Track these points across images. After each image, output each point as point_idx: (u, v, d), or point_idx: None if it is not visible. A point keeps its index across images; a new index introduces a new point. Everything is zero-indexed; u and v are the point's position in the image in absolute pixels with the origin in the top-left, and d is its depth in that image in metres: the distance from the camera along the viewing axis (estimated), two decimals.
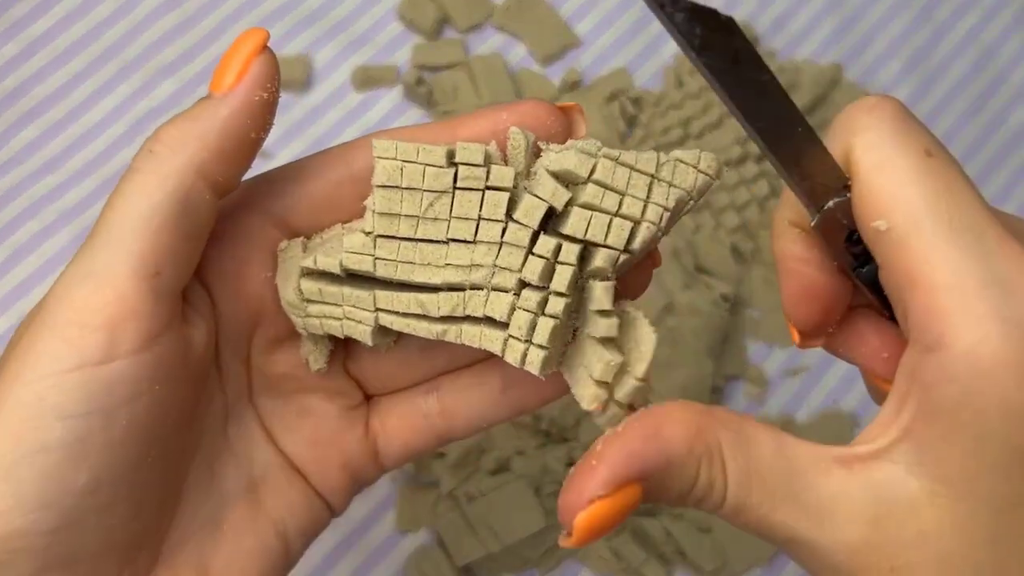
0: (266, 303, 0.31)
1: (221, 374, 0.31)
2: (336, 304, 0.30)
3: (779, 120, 0.26)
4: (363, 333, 0.30)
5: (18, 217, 0.53)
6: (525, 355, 0.28)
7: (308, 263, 0.30)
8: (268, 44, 0.29)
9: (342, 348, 0.33)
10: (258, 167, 0.58)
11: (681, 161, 0.29)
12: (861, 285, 0.28)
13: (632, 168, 0.29)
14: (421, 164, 0.29)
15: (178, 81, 0.56)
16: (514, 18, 0.58)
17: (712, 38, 0.25)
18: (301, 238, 0.31)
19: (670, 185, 0.29)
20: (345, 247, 0.29)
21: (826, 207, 0.26)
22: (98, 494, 0.27)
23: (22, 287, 0.52)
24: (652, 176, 0.29)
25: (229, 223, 0.31)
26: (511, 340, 0.28)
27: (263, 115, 0.29)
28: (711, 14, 0.25)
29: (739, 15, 0.60)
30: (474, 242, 0.29)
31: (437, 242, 0.29)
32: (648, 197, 0.29)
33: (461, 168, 0.29)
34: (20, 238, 0.52)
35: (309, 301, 0.30)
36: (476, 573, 0.48)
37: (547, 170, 0.29)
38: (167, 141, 0.28)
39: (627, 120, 0.56)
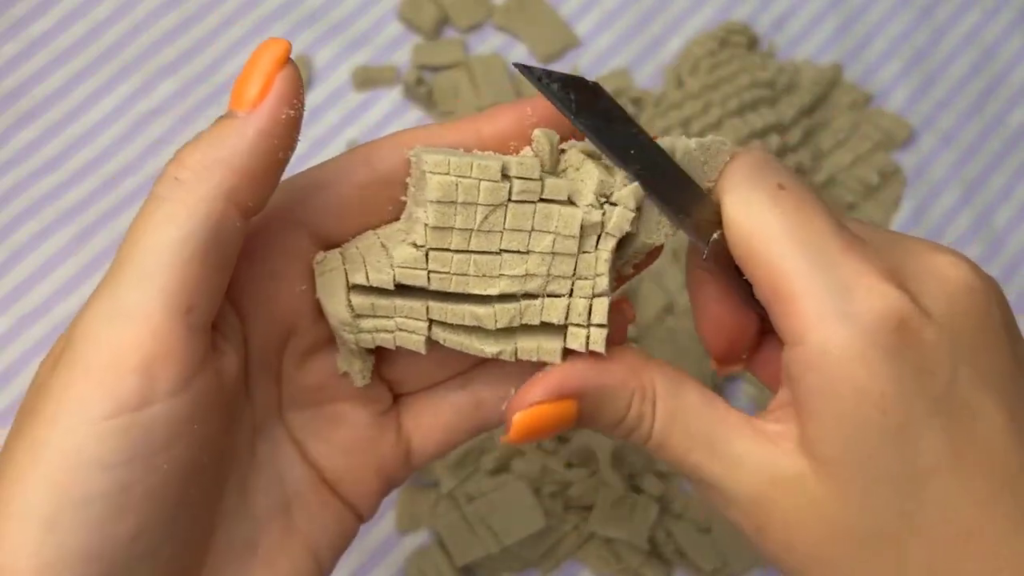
0: (299, 316, 0.31)
1: (249, 393, 0.31)
2: (388, 316, 0.30)
3: (655, 166, 0.29)
4: (416, 343, 0.30)
5: (18, 217, 0.53)
6: (588, 338, 0.30)
7: (359, 279, 0.29)
8: (291, 55, 0.28)
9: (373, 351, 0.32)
10: None
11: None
12: (756, 307, 0.31)
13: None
14: (476, 179, 0.28)
15: (178, 81, 0.56)
16: (514, 18, 0.58)
17: (585, 101, 0.29)
18: (337, 250, 0.30)
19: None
20: (397, 262, 0.29)
21: (712, 239, 0.30)
22: (142, 540, 0.26)
23: (22, 287, 0.52)
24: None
25: (257, 236, 0.30)
26: (572, 329, 0.30)
27: (290, 134, 0.28)
28: (581, 82, 0.29)
29: (739, 15, 0.60)
30: (527, 252, 0.29)
31: (490, 253, 0.29)
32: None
33: (516, 182, 0.29)
34: (20, 238, 0.52)
35: (361, 316, 0.30)
36: (476, 573, 0.48)
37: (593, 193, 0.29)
38: (193, 167, 0.27)
39: None
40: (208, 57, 0.57)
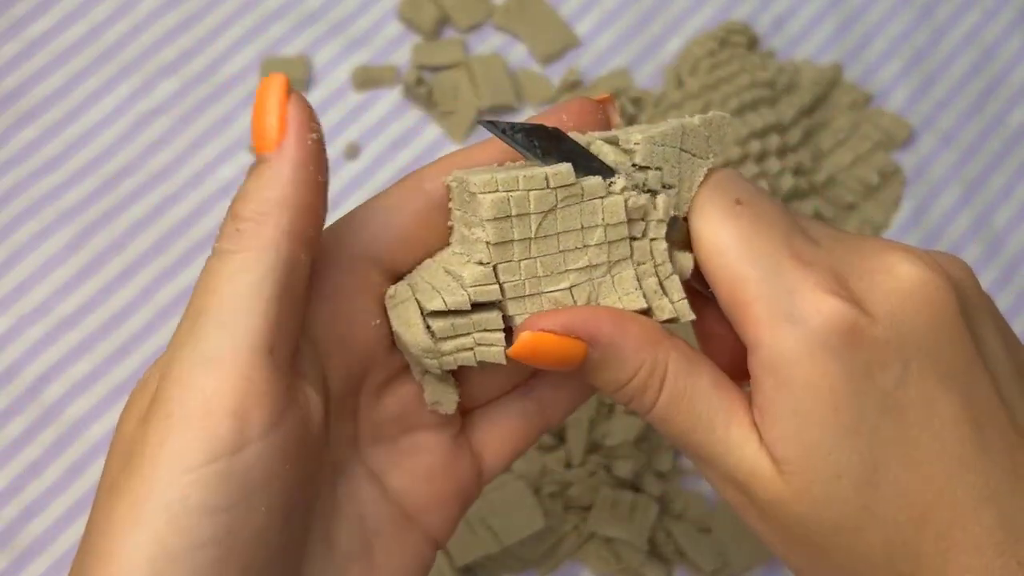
0: (375, 350, 0.31)
1: (328, 432, 0.31)
2: (467, 334, 0.31)
3: None
4: (496, 354, 0.31)
5: (18, 217, 0.53)
6: (675, 310, 0.31)
7: (436, 306, 0.30)
8: (320, 98, 0.29)
9: None
10: None
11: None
12: None
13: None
14: (525, 191, 0.30)
15: (178, 81, 0.56)
16: (514, 18, 0.58)
17: (549, 146, 0.30)
18: (404, 282, 0.31)
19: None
20: (468, 283, 0.30)
21: (695, 259, 0.31)
22: None
23: (22, 287, 0.52)
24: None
25: (328, 276, 0.30)
26: (656, 302, 0.31)
27: (321, 157, 0.29)
28: (541, 128, 0.31)
29: (739, 15, 0.60)
30: (584, 247, 0.31)
31: (552, 254, 0.31)
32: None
33: (559, 191, 0.30)
34: (20, 238, 0.52)
35: (443, 339, 0.31)
36: (476, 573, 0.48)
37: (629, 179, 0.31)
38: (249, 216, 0.28)
39: (627, 120, 0.56)
40: (208, 57, 0.57)
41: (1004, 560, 0.29)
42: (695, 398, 0.30)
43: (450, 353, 0.31)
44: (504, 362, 0.31)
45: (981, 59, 0.60)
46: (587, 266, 0.31)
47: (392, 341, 0.32)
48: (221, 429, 0.26)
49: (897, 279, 0.30)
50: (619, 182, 0.30)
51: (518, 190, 0.30)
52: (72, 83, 0.56)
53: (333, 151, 0.55)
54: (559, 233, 0.30)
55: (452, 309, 0.30)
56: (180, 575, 0.26)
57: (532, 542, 0.47)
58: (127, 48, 0.57)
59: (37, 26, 0.57)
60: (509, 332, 0.31)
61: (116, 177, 0.54)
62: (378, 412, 0.32)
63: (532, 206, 0.30)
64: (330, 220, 0.58)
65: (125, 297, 0.52)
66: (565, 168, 0.30)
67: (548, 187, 0.30)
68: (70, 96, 0.55)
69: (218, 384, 0.26)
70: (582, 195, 0.30)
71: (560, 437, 0.50)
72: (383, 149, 0.56)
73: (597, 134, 0.31)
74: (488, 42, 0.58)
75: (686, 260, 0.32)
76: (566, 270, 0.31)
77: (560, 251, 0.31)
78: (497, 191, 0.30)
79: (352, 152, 0.55)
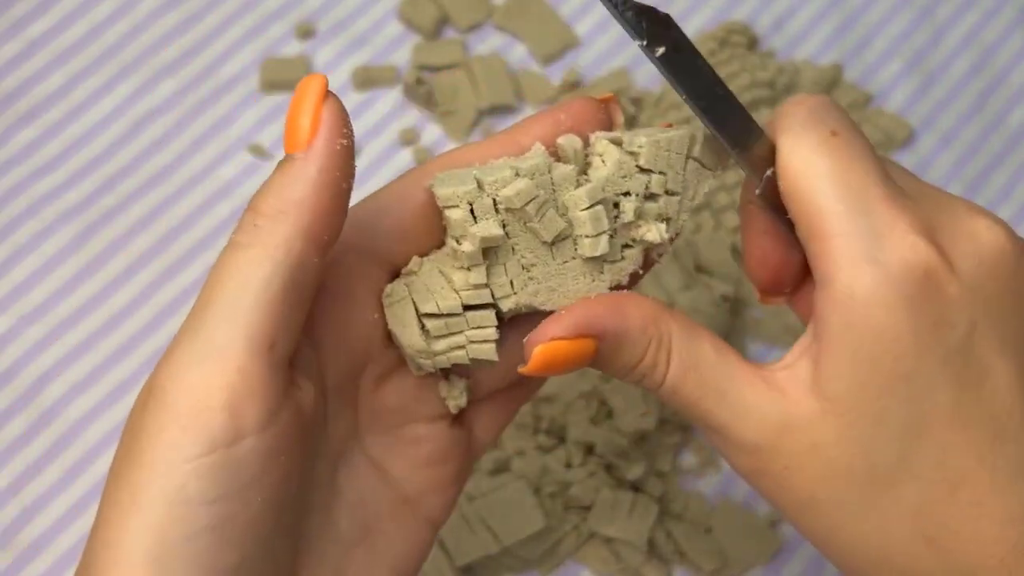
0: (373, 343, 0.32)
1: (328, 421, 0.31)
2: (460, 332, 0.31)
3: (718, 100, 0.31)
4: (488, 351, 0.31)
5: (18, 217, 0.53)
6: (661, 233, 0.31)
7: (430, 308, 0.31)
8: (329, 88, 0.29)
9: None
10: (257, 167, 0.59)
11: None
12: (800, 245, 0.31)
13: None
14: (490, 196, 0.30)
15: (178, 81, 0.56)
16: (514, 18, 0.58)
17: (655, 31, 0.30)
18: (402, 280, 0.32)
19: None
20: (458, 287, 0.30)
21: (766, 175, 0.31)
22: (243, 571, 0.27)
23: (22, 287, 0.52)
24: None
25: (328, 269, 0.31)
26: (643, 229, 0.31)
27: (348, 163, 0.29)
28: (653, 11, 0.30)
29: (739, 15, 0.60)
30: (569, 236, 0.31)
31: (536, 248, 0.31)
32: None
33: (530, 180, 0.30)
34: (20, 238, 0.52)
35: (437, 338, 0.31)
36: (476, 573, 0.48)
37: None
38: (268, 212, 0.28)
39: (627, 120, 0.56)
40: (208, 57, 0.57)
41: None
42: (700, 366, 0.30)
43: (443, 352, 0.31)
44: (496, 359, 0.31)
45: (981, 59, 0.60)
46: (572, 257, 0.31)
47: (390, 335, 0.32)
48: (215, 422, 0.27)
49: (981, 243, 0.30)
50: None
51: (482, 197, 0.30)
52: (72, 83, 0.56)
53: None
54: (539, 226, 0.30)
55: (445, 312, 0.31)
56: (178, 562, 0.26)
57: (532, 542, 0.47)
58: (127, 48, 0.57)
59: (37, 26, 0.57)
60: (504, 325, 0.31)
61: (116, 177, 0.54)
62: (377, 403, 0.33)
63: (501, 208, 0.30)
64: None
65: (125, 297, 0.52)
66: (539, 158, 0.30)
67: (515, 187, 0.30)
68: (70, 96, 0.55)
69: (213, 380, 0.27)
70: (552, 185, 0.30)
71: (560, 437, 0.50)
72: (383, 149, 0.56)
73: (602, 134, 0.32)
74: (488, 42, 0.58)
75: (652, 235, 0.31)
76: (553, 262, 0.31)
77: (543, 243, 0.31)
78: (459, 206, 0.30)
79: None
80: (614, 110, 0.33)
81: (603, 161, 0.31)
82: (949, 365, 0.29)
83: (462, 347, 0.31)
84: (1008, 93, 0.59)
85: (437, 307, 0.30)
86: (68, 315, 0.51)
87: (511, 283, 0.31)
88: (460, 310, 0.31)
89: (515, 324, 0.32)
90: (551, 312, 0.31)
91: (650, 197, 0.31)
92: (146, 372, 0.50)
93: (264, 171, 0.55)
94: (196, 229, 0.53)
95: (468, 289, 0.30)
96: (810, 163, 0.30)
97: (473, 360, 0.31)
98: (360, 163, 0.55)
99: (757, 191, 0.31)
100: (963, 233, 0.30)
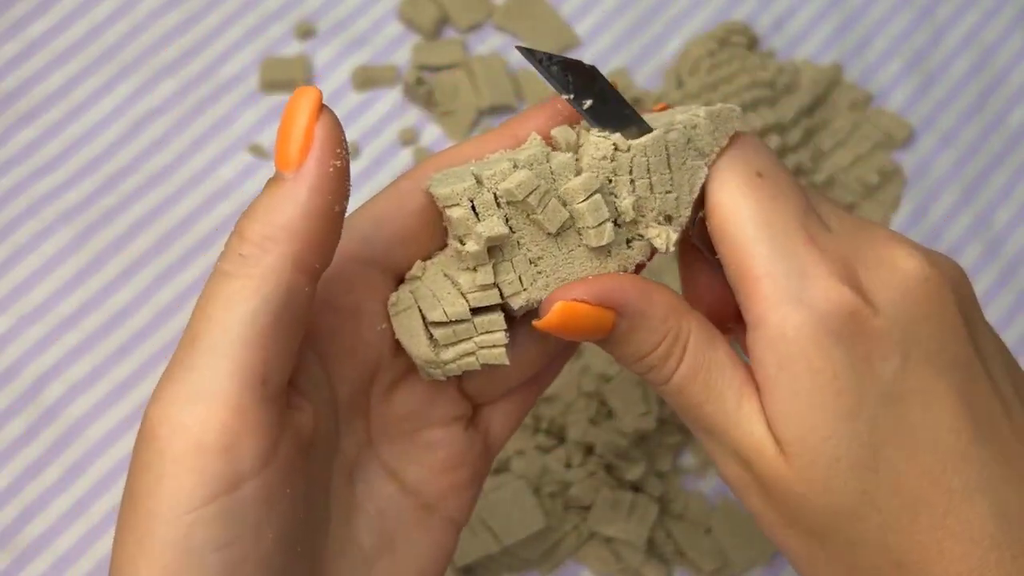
0: (382, 352, 0.31)
1: (340, 435, 0.31)
2: (469, 338, 0.30)
3: None
4: (499, 355, 0.31)
5: (18, 217, 0.53)
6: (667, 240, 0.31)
7: (437, 316, 0.30)
8: (324, 102, 0.27)
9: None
10: (257, 167, 0.59)
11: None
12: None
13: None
14: (491, 191, 0.29)
15: (178, 81, 0.56)
16: (514, 18, 0.58)
17: (583, 83, 0.30)
18: (407, 287, 0.31)
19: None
20: (465, 289, 0.30)
21: (699, 216, 0.32)
22: None
23: (22, 287, 0.52)
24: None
25: (331, 282, 0.30)
26: (652, 231, 0.31)
27: (341, 185, 0.27)
28: (578, 64, 0.30)
29: (739, 15, 0.60)
30: (571, 227, 0.30)
31: (542, 241, 0.30)
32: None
33: (529, 171, 0.29)
34: (20, 238, 0.52)
35: (446, 347, 0.30)
36: (476, 573, 0.48)
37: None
38: (255, 240, 0.27)
39: None
40: (208, 57, 0.57)
41: (999, 551, 0.29)
42: (712, 370, 0.30)
43: (453, 361, 0.31)
44: (507, 363, 0.31)
45: (981, 59, 0.60)
46: (578, 245, 0.31)
47: (398, 343, 0.32)
48: (214, 467, 0.26)
49: (901, 273, 0.30)
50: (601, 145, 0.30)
51: (483, 193, 0.29)
52: (72, 83, 0.56)
53: None
54: (543, 217, 0.30)
55: (453, 319, 0.30)
56: None
57: (532, 542, 0.47)
58: (127, 48, 0.57)
59: (37, 26, 0.57)
60: (514, 323, 0.31)
61: (116, 177, 0.54)
62: (389, 411, 0.32)
63: (503, 202, 0.29)
64: None
65: (125, 297, 0.52)
66: (537, 148, 0.30)
67: (515, 179, 0.29)
68: (70, 96, 0.55)
69: (208, 421, 0.26)
70: (552, 174, 0.30)
71: (560, 437, 0.50)
72: (383, 149, 0.56)
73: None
74: (488, 42, 0.58)
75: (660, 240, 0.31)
76: (559, 252, 0.30)
77: (548, 235, 0.30)
78: (459, 204, 0.29)
79: (352, 152, 0.55)
80: None
81: (596, 148, 0.30)
82: (889, 396, 0.29)
83: (472, 354, 0.31)
84: (1008, 93, 0.59)
85: (444, 314, 0.30)
86: (68, 315, 0.51)
87: (520, 279, 0.30)
88: (468, 315, 0.30)
89: (525, 320, 0.32)
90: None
91: (648, 189, 0.31)
92: (146, 372, 0.50)
93: (264, 171, 0.54)
94: (196, 229, 0.53)
95: (475, 291, 0.30)
96: (735, 205, 0.30)
97: (484, 366, 0.31)
98: (360, 163, 0.55)
99: (692, 232, 0.32)
100: (885, 264, 0.30)
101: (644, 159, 0.30)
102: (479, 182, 0.29)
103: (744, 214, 0.30)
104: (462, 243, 0.30)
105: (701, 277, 0.34)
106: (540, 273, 0.30)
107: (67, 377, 0.50)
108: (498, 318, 0.30)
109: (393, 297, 0.31)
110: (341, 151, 0.27)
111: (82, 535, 0.48)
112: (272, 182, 0.27)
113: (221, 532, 0.26)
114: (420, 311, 0.30)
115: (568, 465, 0.49)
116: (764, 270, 0.29)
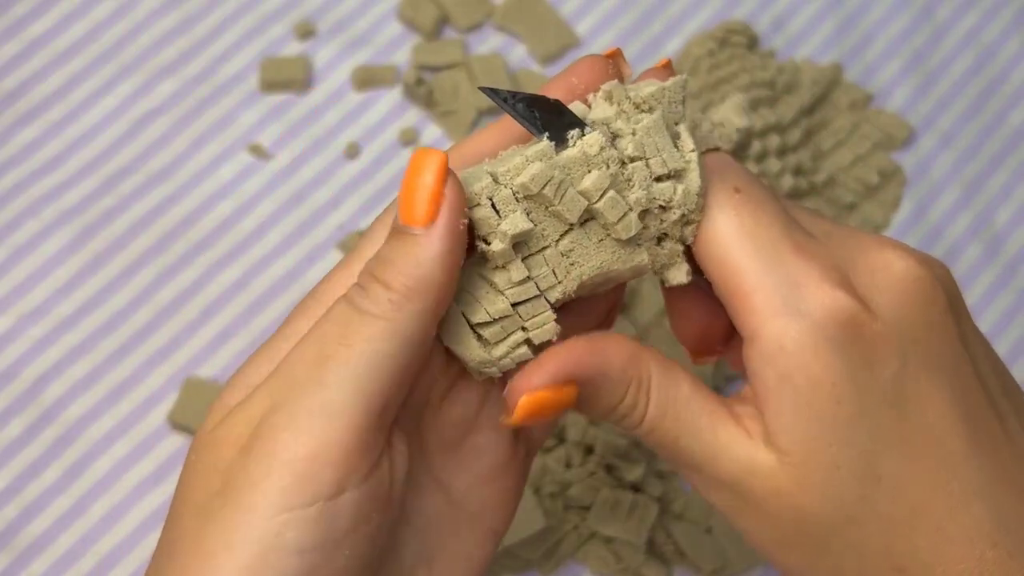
0: (434, 365, 0.33)
1: (393, 452, 0.32)
2: (517, 329, 0.31)
3: None
4: (549, 332, 0.31)
5: (18, 217, 0.53)
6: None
7: (481, 318, 0.31)
8: (447, 164, 0.29)
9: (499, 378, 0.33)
10: (256, 168, 0.58)
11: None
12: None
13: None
14: (506, 187, 0.30)
15: (178, 81, 0.56)
16: (514, 18, 0.58)
17: (549, 117, 0.30)
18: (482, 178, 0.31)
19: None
20: (502, 287, 0.30)
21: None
22: None
23: (22, 287, 0.52)
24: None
25: None
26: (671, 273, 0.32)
27: (465, 242, 0.29)
28: (542, 99, 0.31)
29: (739, 15, 0.60)
30: (592, 219, 0.30)
31: (569, 231, 0.31)
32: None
33: (541, 163, 0.29)
34: (20, 238, 0.52)
35: (496, 344, 0.31)
36: None
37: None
38: (400, 289, 0.29)
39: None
40: (208, 57, 0.57)
41: (996, 552, 0.29)
42: (678, 405, 0.31)
43: (505, 355, 0.31)
44: (556, 337, 0.31)
45: (981, 59, 0.60)
46: (607, 235, 0.31)
47: (447, 351, 0.32)
48: (325, 475, 0.28)
49: (896, 275, 0.30)
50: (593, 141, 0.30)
51: (500, 190, 0.30)
52: (72, 83, 0.56)
53: (333, 151, 0.55)
54: (562, 207, 0.30)
55: (496, 317, 0.31)
56: None
57: (532, 542, 0.47)
58: (127, 48, 0.57)
59: (37, 26, 0.57)
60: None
61: (116, 177, 0.54)
62: (441, 421, 0.33)
63: (520, 197, 0.30)
64: (331, 219, 0.58)
65: (125, 297, 0.52)
66: (544, 145, 0.30)
67: (529, 172, 0.29)
68: (70, 96, 0.55)
69: (328, 434, 0.28)
70: (567, 168, 0.30)
71: (560, 437, 0.49)
72: (383, 149, 0.56)
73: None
74: (488, 42, 0.58)
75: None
76: (589, 242, 0.31)
77: (570, 225, 0.30)
78: (480, 204, 0.30)
79: (352, 152, 0.55)
80: (621, 63, 0.33)
81: (590, 145, 0.31)
82: (888, 402, 0.29)
83: (523, 343, 0.31)
84: (1008, 93, 0.59)
85: (487, 314, 0.31)
86: (68, 315, 0.51)
87: (553, 272, 0.31)
88: (511, 311, 0.31)
89: (562, 311, 0.32)
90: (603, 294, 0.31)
91: (657, 179, 0.31)
92: (146, 372, 0.50)
93: (263, 171, 0.54)
94: (196, 229, 0.53)
95: (512, 287, 0.30)
96: (716, 222, 0.30)
97: (538, 348, 0.31)
98: (360, 163, 0.55)
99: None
100: (877, 267, 0.30)
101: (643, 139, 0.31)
102: (495, 179, 0.30)
103: (726, 230, 0.30)
104: (487, 243, 0.30)
105: (685, 303, 0.34)
106: (573, 265, 0.31)
107: (67, 377, 0.50)
108: (540, 302, 0.31)
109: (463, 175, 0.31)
110: (466, 210, 0.29)
111: (82, 535, 0.48)
112: (400, 234, 0.29)
113: (308, 536, 0.27)
114: (463, 315, 0.31)
115: (568, 465, 0.49)
116: (754, 284, 0.29)
